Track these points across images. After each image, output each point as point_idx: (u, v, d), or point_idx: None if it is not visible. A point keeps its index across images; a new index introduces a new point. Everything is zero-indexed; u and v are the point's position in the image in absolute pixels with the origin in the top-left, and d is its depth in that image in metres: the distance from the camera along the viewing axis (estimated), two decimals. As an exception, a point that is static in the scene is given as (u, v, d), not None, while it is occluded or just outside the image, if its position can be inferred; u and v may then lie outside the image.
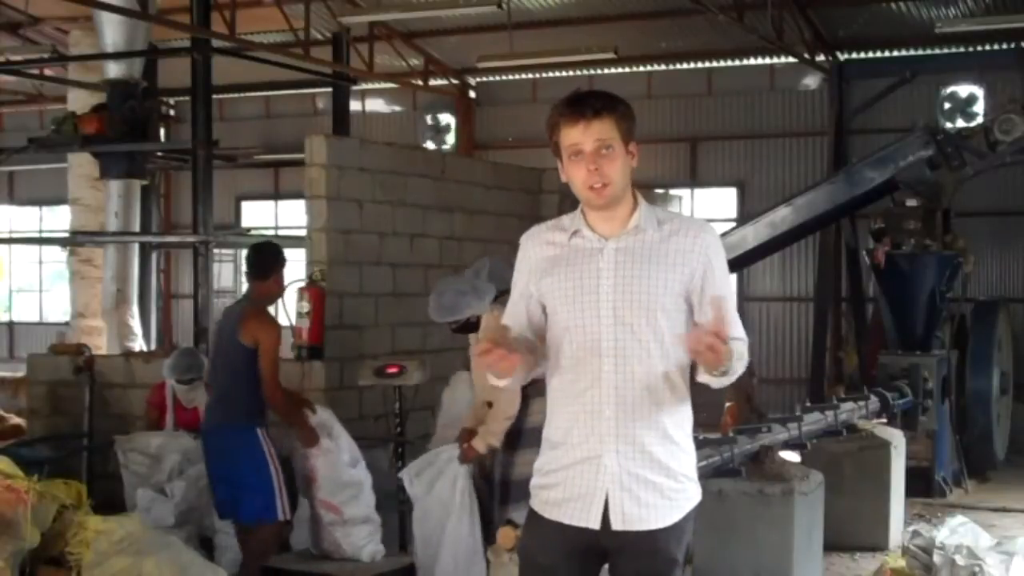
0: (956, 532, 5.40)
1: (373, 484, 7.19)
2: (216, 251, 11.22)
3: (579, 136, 3.17)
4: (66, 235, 15.35)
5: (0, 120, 20.30)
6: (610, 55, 13.07)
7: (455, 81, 16.91)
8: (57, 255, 17.79)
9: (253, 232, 17.10)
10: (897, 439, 8.40)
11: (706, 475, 4.87)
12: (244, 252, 8.96)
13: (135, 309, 12.20)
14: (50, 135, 11.97)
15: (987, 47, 14.17)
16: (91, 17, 11.99)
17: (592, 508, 3.17)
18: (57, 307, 19.61)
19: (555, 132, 3.23)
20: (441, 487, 6.07)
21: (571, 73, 15.99)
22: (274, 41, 14.71)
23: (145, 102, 11.75)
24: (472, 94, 17.18)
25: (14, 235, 20.04)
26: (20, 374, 12.73)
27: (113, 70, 11.65)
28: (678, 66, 15.76)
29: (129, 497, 7.45)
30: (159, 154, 12.84)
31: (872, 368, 10.76)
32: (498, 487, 5.92)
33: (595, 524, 3.17)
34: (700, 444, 3.38)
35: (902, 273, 10.20)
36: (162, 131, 15.23)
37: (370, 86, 16.94)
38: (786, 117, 15.35)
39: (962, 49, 14.31)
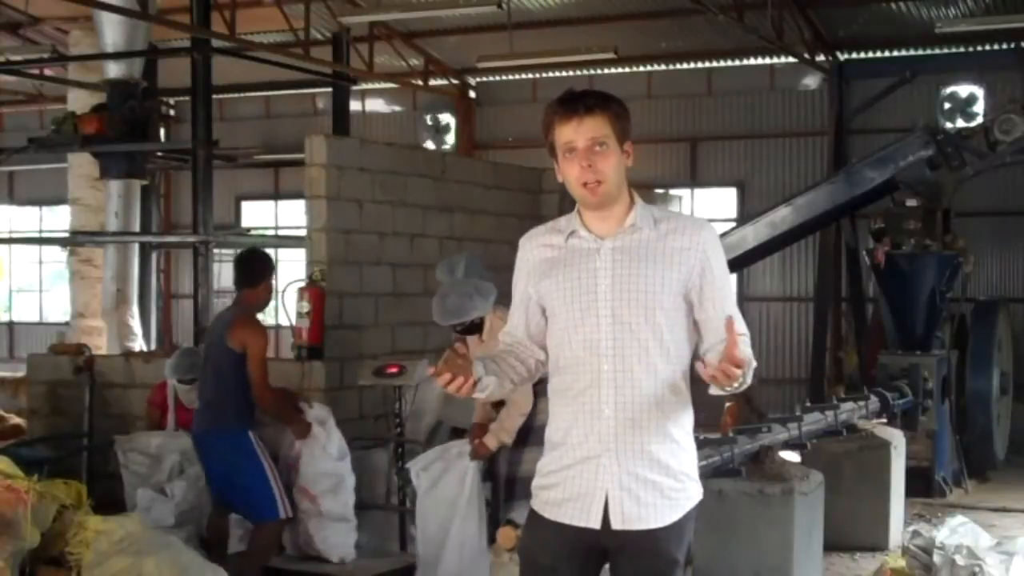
0: (956, 532, 5.40)
1: (373, 484, 7.22)
2: (216, 251, 11.21)
3: (572, 133, 3.18)
4: (66, 235, 15.35)
5: (0, 120, 20.30)
6: (610, 55, 13.07)
7: (455, 81, 16.91)
8: (57, 255, 17.79)
9: (253, 232, 17.11)
10: (897, 439, 8.40)
11: (706, 475, 4.86)
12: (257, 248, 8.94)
13: (135, 309, 12.20)
14: (50, 135, 11.98)
15: (987, 47, 14.17)
16: (91, 17, 11.99)
17: (592, 508, 3.17)
18: (57, 307, 19.61)
19: (550, 131, 3.24)
20: (448, 483, 6.08)
21: (571, 73, 15.99)
22: (274, 41, 14.72)
23: (145, 102, 11.76)
24: (472, 94, 17.18)
25: (14, 235, 20.04)
26: (20, 374, 12.73)
27: (113, 70, 11.65)
28: (678, 66, 15.76)
29: (129, 497, 7.45)
30: (159, 154, 12.85)
31: (872, 368, 10.75)
32: (504, 484, 5.93)
33: (595, 524, 3.17)
34: (700, 444, 3.38)
35: (902, 273, 10.20)
36: (162, 131, 15.24)
37: (370, 86, 16.94)
38: (786, 117, 15.35)
39: (962, 49, 14.30)
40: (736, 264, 10.88)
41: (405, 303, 9.66)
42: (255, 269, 6.66)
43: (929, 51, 14.54)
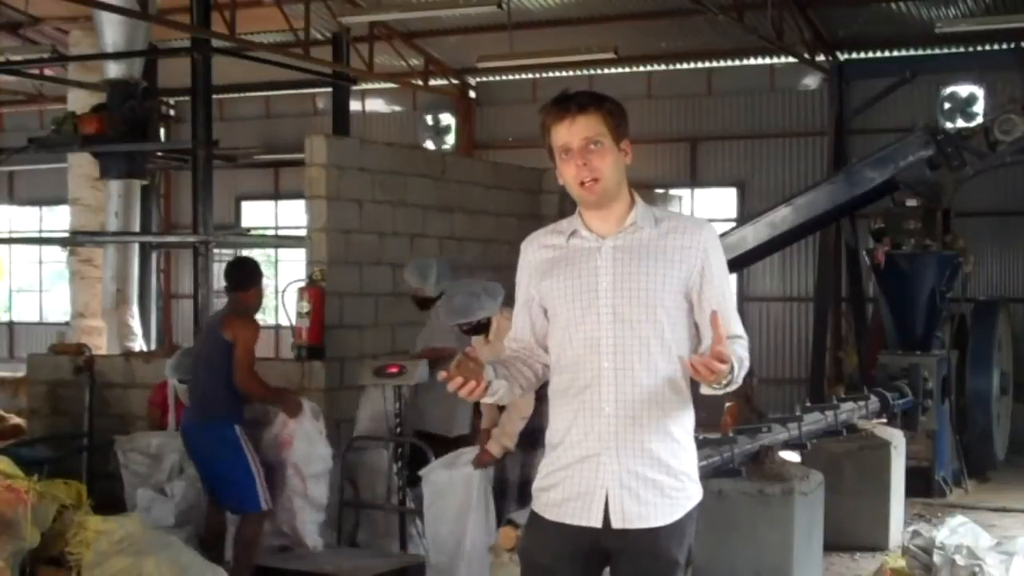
0: (956, 532, 5.40)
1: (373, 484, 7.25)
2: (216, 251, 11.21)
3: (566, 133, 3.19)
4: (66, 235, 15.35)
5: (0, 120, 20.30)
6: (610, 55, 13.07)
7: (455, 81, 16.91)
8: (57, 255, 17.79)
9: (253, 232, 17.11)
10: (897, 439, 8.40)
11: (706, 475, 4.87)
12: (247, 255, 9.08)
13: (135, 309, 12.20)
14: (50, 135, 11.98)
15: (987, 47, 14.16)
16: (91, 17, 11.99)
17: (593, 507, 3.16)
18: (57, 307, 19.61)
19: (547, 134, 3.25)
20: (456, 490, 6.10)
21: (571, 73, 15.99)
22: (274, 41, 14.72)
23: (145, 102, 11.75)
24: (472, 94, 17.18)
25: (14, 235, 20.03)
26: (20, 374, 12.73)
27: (113, 70, 11.65)
28: (678, 66, 15.75)
29: (129, 497, 7.46)
30: (159, 154, 12.85)
31: (872, 368, 10.75)
32: (516, 487, 5.94)
33: (596, 523, 3.16)
34: (700, 444, 3.38)
35: (902, 273, 10.20)
36: (162, 131, 15.23)
37: (370, 86, 16.94)
38: (786, 117, 15.35)
39: (962, 49, 14.30)
40: (736, 264, 10.88)
41: (405, 303, 9.63)
42: (245, 275, 6.88)
43: (929, 51, 14.54)
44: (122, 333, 12.01)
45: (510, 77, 16.56)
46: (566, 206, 10.50)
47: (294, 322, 8.68)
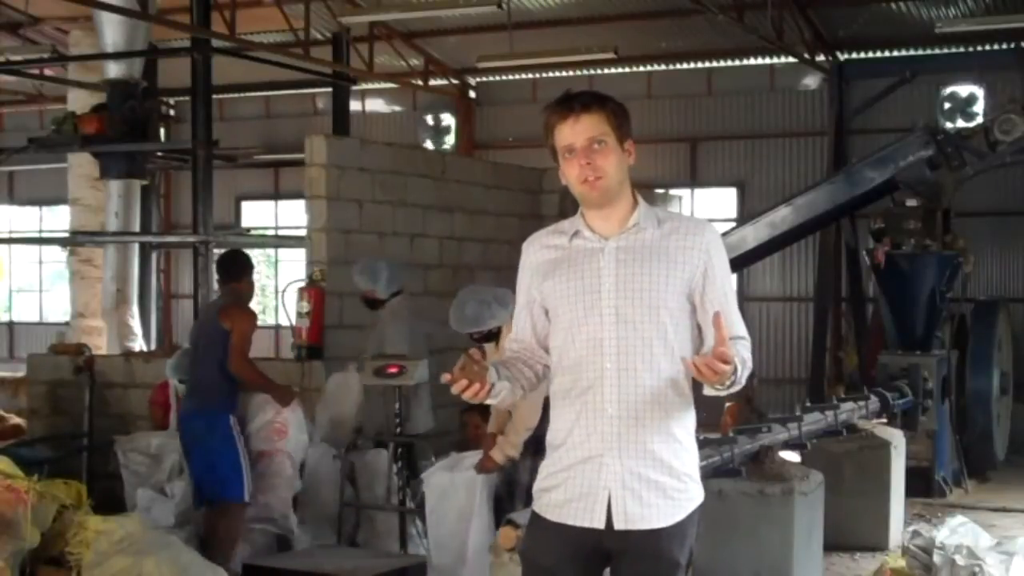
0: (956, 532, 5.40)
1: (373, 484, 7.27)
2: (216, 251, 11.21)
3: (570, 133, 3.18)
4: (66, 235, 15.34)
5: (0, 120, 20.29)
6: (610, 55, 13.07)
7: (455, 81, 16.91)
8: (57, 255, 17.79)
9: (253, 232, 17.11)
10: (897, 439, 8.39)
11: (706, 475, 4.86)
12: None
13: (135, 309, 12.20)
14: (50, 135, 11.98)
15: (987, 47, 14.17)
16: (91, 17, 11.99)
17: (595, 508, 3.16)
18: (57, 307, 19.61)
19: (550, 134, 3.24)
20: (458, 493, 6.11)
21: (571, 73, 15.99)
22: (274, 41, 14.71)
23: (145, 102, 11.76)
24: (472, 94, 17.17)
25: (14, 235, 20.03)
26: (20, 374, 12.72)
27: (113, 70, 11.65)
28: (678, 66, 15.75)
29: (129, 497, 7.46)
30: (159, 154, 12.85)
31: (872, 368, 10.75)
32: (525, 489, 5.94)
33: (599, 524, 3.15)
34: (700, 444, 3.38)
35: (902, 273, 10.19)
36: (162, 131, 15.23)
37: (370, 86, 16.94)
38: (786, 117, 15.35)
39: (962, 49, 14.30)
40: (736, 264, 10.87)
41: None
42: (237, 266, 7.03)
43: (929, 51, 14.54)
44: (122, 333, 12.00)
45: (510, 77, 16.56)
46: (567, 206, 10.50)
47: (294, 322, 8.68)
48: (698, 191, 15.91)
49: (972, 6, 13.26)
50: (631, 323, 3.17)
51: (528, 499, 5.80)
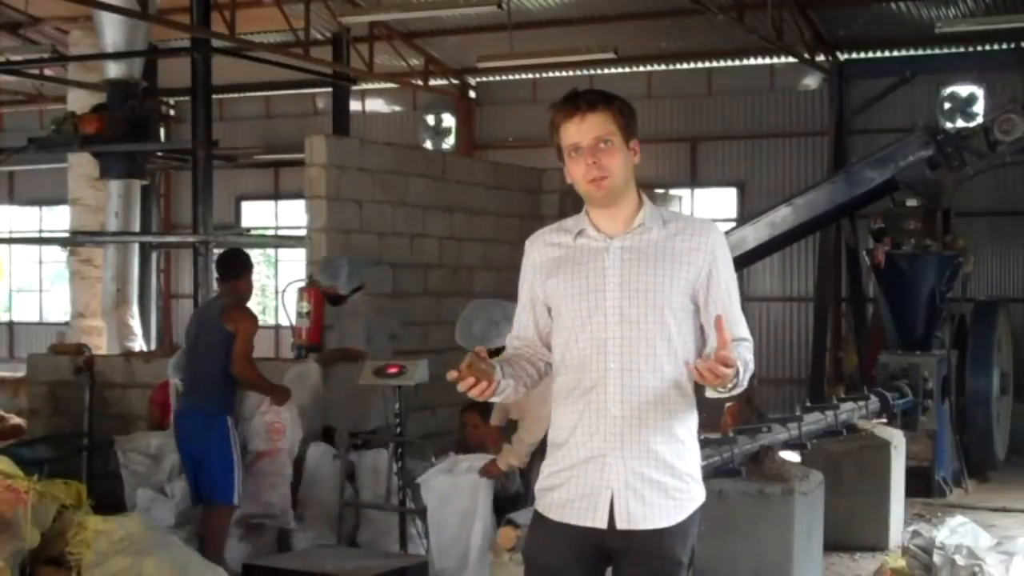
0: (956, 532, 5.40)
1: (373, 484, 7.27)
2: (216, 251, 11.21)
3: (576, 132, 3.17)
4: (66, 235, 15.35)
5: (0, 120, 20.29)
6: (610, 55, 13.07)
7: (455, 81, 16.91)
8: (57, 255, 17.79)
9: (253, 232, 17.12)
10: (897, 439, 8.39)
11: (706, 475, 4.86)
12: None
13: (135, 309, 12.21)
14: (50, 135, 11.99)
15: (987, 47, 14.17)
16: (91, 17, 12.00)
17: (598, 507, 3.16)
18: (57, 307, 19.61)
19: (555, 133, 3.23)
20: (459, 496, 6.11)
21: (571, 73, 15.99)
22: (274, 41, 14.71)
23: (145, 102, 11.77)
24: (472, 94, 17.18)
25: (14, 235, 20.03)
26: (20, 374, 12.73)
27: (113, 70, 11.66)
28: (678, 66, 15.76)
29: (129, 497, 7.46)
30: (159, 154, 12.86)
31: (872, 368, 10.75)
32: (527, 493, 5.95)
33: (601, 524, 3.15)
34: (700, 444, 3.38)
35: (902, 273, 10.20)
36: (162, 131, 15.24)
37: (370, 86, 16.94)
38: (786, 117, 15.35)
39: (962, 49, 14.30)
40: (736, 264, 10.66)
41: (405, 303, 9.66)
42: (237, 264, 7.03)
43: (929, 51, 14.54)
44: (122, 333, 12.01)
45: (510, 77, 16.57)
46: (567, 206, 10.51)
47: (294, 322, 8.67)
48: (698, 191, 15.91)
49: (972, 6, 13.26)
50: (635, 323, 3.16)
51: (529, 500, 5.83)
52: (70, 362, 9.11)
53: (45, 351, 10.29)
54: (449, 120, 17.18)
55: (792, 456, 6.78)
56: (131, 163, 11.77)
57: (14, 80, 16.37)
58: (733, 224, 13.02)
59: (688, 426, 3.24)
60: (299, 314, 8.58)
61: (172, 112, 17.12)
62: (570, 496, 3.20)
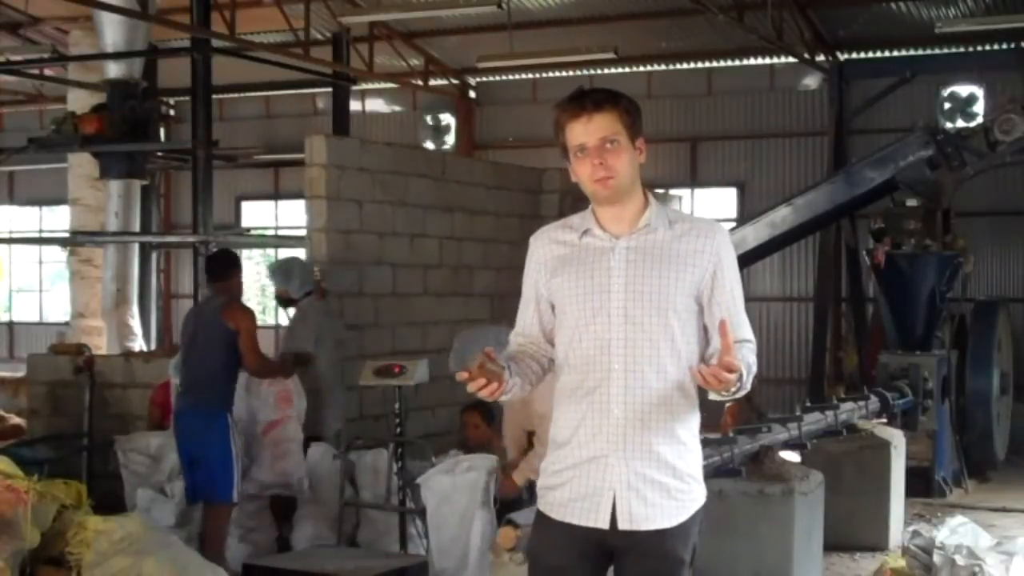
0: (956, 532, 5.40)
1: (373, 484, 7.28)
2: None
3: (582, 132, 3.16)
4: (66, 235, 15.35)
5: (0, 120, 20.29)
6: (610, 55, 13.07)
7: (455, 81, 16.91)
8: (57, 255, 17.79)
9: (253, 232, 17.11)
10: (897, 439, 8.39)
11: (707, 475, 4.86)
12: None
13: (135, 309, 12.20)
14: (50, 135, 11.98)
15: (987, 47, 14.17)
16: (91, 17, 12.00)
17: (600, 508, 3.16)
18: (57, 307, 19.61)
19: (560, 132, 3.22)
20: (459, 496, 6.11)
21: (571, 73, 15.99)
22: (274, 41, 14.71)
23: (145, 102, 11.76)
24: (472, 94, 17.17)
25: (14, 235, 20.03)
26: (20, 374, 12.73)
27: (113, 70, 11.65)
28: (678, 66, 15.76)
29: (129, 497, 7.46)
30: (159, 154, 12.85)
31: (872, 368, 10.75)
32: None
33: (603, 524, 3.16)
34: (701, 444, 3.39)
35: (902, 273, 10.20)
36: (162, 131, 15.23)
37: (370, 86, 16.94)
38: (786, 117, 15.35)
39: (962, 49, 14.30)
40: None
41: (405, 303, 9.66)
42: (228, 265, 7.12)
43: (929, 51, 14.54)
44: (122, 333, 12.01)
45: (510, 77, 16.57)
46: (567, 206, 10.51)
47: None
48: (698, 191, 15.91)
49: (972, 6, 13.26)
50: (639, 324, 3.16)
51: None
52: (70, 362, 9.11)
53: (45, 351, 10.30)
54: (449, 120, 17.17)
55: (792, 456, 6.78)
56: (131, 163, 11.76)
57: (14, 80, 16.37)
58: (733, 224, 13.01)
59: (690, 427, 3.25)
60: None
61: (172, 112, 17.12)
62: (572, 496, 3.21)
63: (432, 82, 16.63)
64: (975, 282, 12.80)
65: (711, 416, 3.72)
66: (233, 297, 6.97)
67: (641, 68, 15.88)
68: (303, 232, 9.52)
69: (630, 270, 3.19)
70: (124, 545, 5.65)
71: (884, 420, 8.81)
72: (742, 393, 3.12)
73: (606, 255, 3.21)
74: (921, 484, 9.60)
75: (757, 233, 11.17)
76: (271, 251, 18.77)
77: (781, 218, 11.13)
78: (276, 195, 18.33)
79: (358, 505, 7.34)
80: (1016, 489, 10.35)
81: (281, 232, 18.07)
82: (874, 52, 14.84)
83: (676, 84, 15.87)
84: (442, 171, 10.23)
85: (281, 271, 8.23)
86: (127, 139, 11.46)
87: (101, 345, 12.42)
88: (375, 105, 17.85)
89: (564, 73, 16.04)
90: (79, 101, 13.05)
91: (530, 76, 16.45)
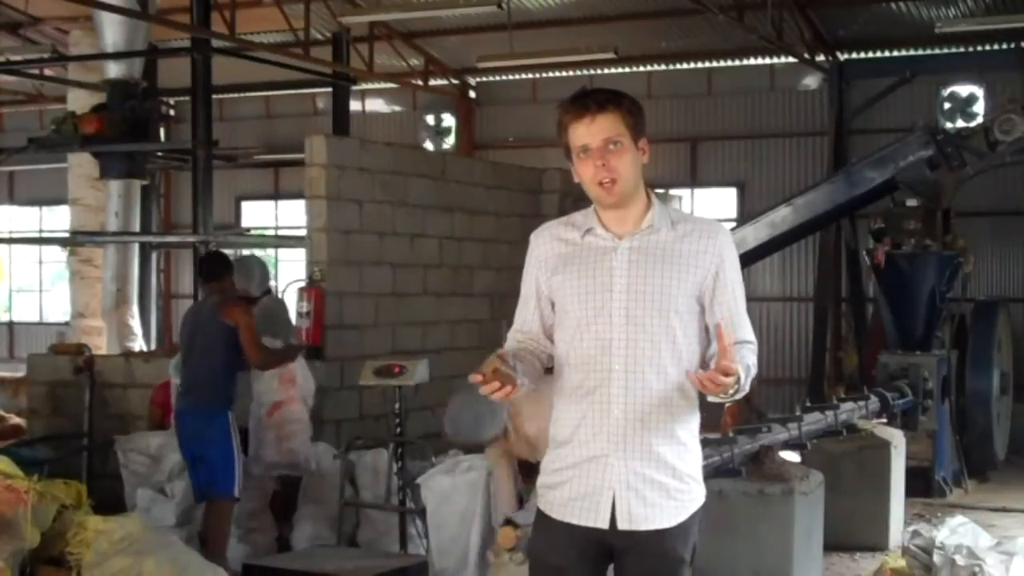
0: (956, 532, 5.40)
1: (373, 484, 7.28)
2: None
3: (585, 133, 3.16)
4: (66, 235, 15.36)
5: (0, 120, 20.30)
6: (610, 55, 13.07)
7: (455, 81, 16.91)
8: (57, 255, 17.79)
9: (253, 232, 17.11)
10: (897, 439, 8.39)
11: (706, 475, 4.86)
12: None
13: (135, 309, 12.20)
14: (50, 135, 11.99)
15: (987, 47, 14.17)
16: (91, 17, 12.00)
17: (600, 507, 3.16)
18: (57, 307, 19.61)
19: (563, 133, 3.21)
20: (459, 496, 6.11)
21: (571, 73, 15.99)
22: (274, 41, 14.71)
23: (145, 102, 11.76)
24: (472, 94, 17.18)
25: (14, 235, 20.03)
26: (20, 374, 12.73)
27: (113, 70, 11.66)
28: (678, 66, 15.76)
29: (129, 497, 7.47)
30: (159, 154, 12.85)
31: (872, 368, 10.75)
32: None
33: (603, 524, 3.16)
34: (701, 444, 3.39)
35: (902, 273, 10.20)
36: (162, 131, 15.23)
37: (370, 86, 16.94)
38: (786, 117, 15.35)
39: (962, 49, 14.31)
40: (736, 264, 10.86)
41: (405, 303, 9.66)
42: (219, 267, 7.22)
43: (929, 51, 14.54)
44: (122, 333, 12.01)
45: (510, 77, 16.57)
46: (567, 206, 10.51)
47: (294, 322, 8.67)
48: (698, 191, 15.91)
49: (972, 6, 13.27)
50: (640, 325, 3.16)
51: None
52: (70, 362, 9.11)
53: (45, 351, 10.30)
54: (449, 120, 17.18)
55: (792, 456, 6.79)
56: (131, 163, 11.77)
57: (14, 80, 16.37)
58: (733, 224, 13.02)
59: (690, 428, 3.25)
60: (299, 314, 8.59)
61: (172, 112, 17.12)
62: (572, 495, 3.21)
63: (432, 82, 16.63)
64: (975, 282, 12.80)
65: (711, 416, 3.72)
66: (228, 296, 7.04)
67: (641, 68, 15.87)
68: (303, 232, 9.52)
69: (632, 270, 3.18)
70: (124, 545, 5.65)
71: (884, 420, 8.81)
72: (741, 394, 3.12)
73: (608, 255, 3.21)
74: (921, 484, 9.60)
75: (757, 233, 11.17)
76: (271, 251, 18.79)
77: (781, 218, 11.13)
78: (276, 195, 18.33)
79: (358, 505, 7.35)
80: (1016, 489, 10.35)
81: (281, 232, 18.08)
82: (874, 52, 14.84)
83: (676, 84, 15.88)
84: (442, 171, 10.23)
85: (242, 270, 8.02)
86: (127, 139, 11.46)
87: (101, 345, 12.42)
88: (375, 105, 17.85)
89: (564, 73, 16.04)
90: (79, 101, 13.05)
91: (530, 76, 16.46)
